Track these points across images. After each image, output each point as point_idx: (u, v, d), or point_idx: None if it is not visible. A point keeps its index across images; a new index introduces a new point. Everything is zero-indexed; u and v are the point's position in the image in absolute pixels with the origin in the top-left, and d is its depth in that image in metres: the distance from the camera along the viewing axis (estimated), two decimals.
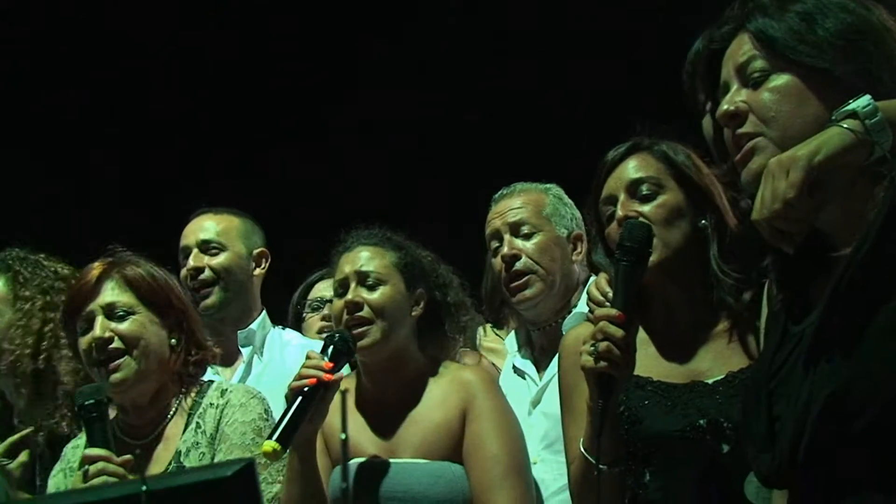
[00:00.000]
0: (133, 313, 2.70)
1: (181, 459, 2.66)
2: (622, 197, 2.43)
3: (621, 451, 2.30)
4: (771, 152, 1.77)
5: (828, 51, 1.77)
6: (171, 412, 2.75)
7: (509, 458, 2.70)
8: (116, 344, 2.66)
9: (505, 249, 3.16)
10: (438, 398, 2.79)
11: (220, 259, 3.61)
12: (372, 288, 2.81)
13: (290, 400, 2.58)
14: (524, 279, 3.13)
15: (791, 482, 1.81)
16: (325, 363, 2.62)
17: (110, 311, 2.70)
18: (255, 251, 3.70)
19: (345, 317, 2.79)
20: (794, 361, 1.76)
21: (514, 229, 3.17)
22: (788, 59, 1.79)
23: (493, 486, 2.67)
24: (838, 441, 1.67)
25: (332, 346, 2.69)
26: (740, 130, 1.82)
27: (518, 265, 3.13)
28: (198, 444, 2.68)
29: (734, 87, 1.85)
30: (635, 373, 2.28)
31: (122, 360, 2.66)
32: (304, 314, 4.26)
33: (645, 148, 2.48)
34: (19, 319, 3.12)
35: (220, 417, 2.69)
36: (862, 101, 1.68)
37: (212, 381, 2.86)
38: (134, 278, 2.73)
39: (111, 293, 2.71)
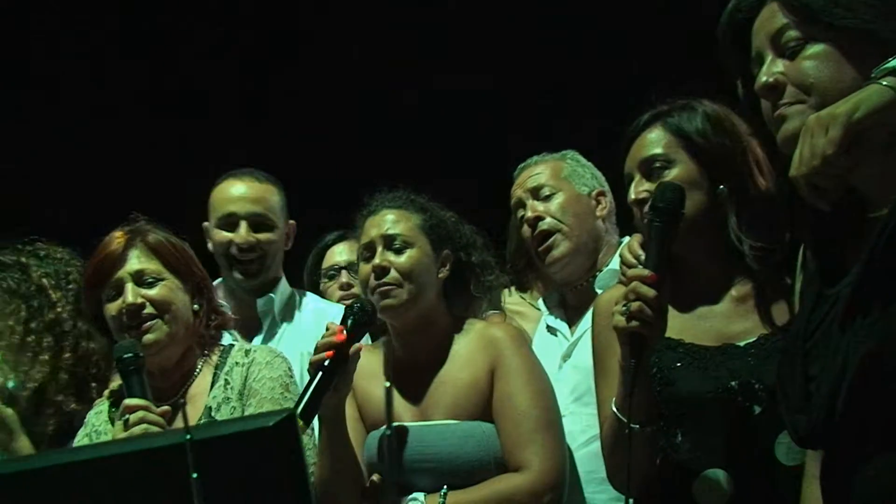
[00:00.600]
0: (161, 279, 2.78)
1: (212, 414, 2.73)
2: (636, 177, 2.46)
3: (653, 411, 2.32)
4: (808, 116, 1.76)
5: (862, 10, 1.77)
6: (196, 373, 2.82)
7: (539, 414, 2.70)
8: (148, 309, 2.74)
9: (528, 213, 3.20)
10: (466, 357, 2.79)
11: (269, 236, 3.56)
12: (399, 251, 2.80)
13: (311, 374, 2.60)
14: (551, 239, 3.15)
15: (827, 442, 1.82)
16: (339, 335, 2.62)
17: (139, 278, 2.76)
18: (289, 225, 3.66)
19: (372, 281, 2.79)
20: (829, 323, 1.77)
21: (535, 193, 3.22)
22: (823, 23, 1.79)
23: (522, 442, 2.67)
24: (875, 399, 1.68)
25: (351, 317, 2.69)
26: (783, 101, 1.82)
27: (542, 225, 3.17)
28: (228, 399, 2.75)
29: (769, 57, 1.85)
30: (667, 335, 2.29)
31: (153, 322, 2.73)
32: (322, 283, 4.20)
33: (660, 119, 2.48)
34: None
35: (247, 375, 2.77)
36: None
37: (233, 345, 2.93)
38: (157, 246, 2.81)
39: (138, 261, 2.78)
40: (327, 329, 2.66)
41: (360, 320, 2.70)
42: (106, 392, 2.90)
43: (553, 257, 3.15)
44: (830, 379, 1.72)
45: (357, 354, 2.64)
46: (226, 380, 2.78)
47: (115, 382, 2.88)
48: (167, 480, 1.62)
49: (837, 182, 1.73)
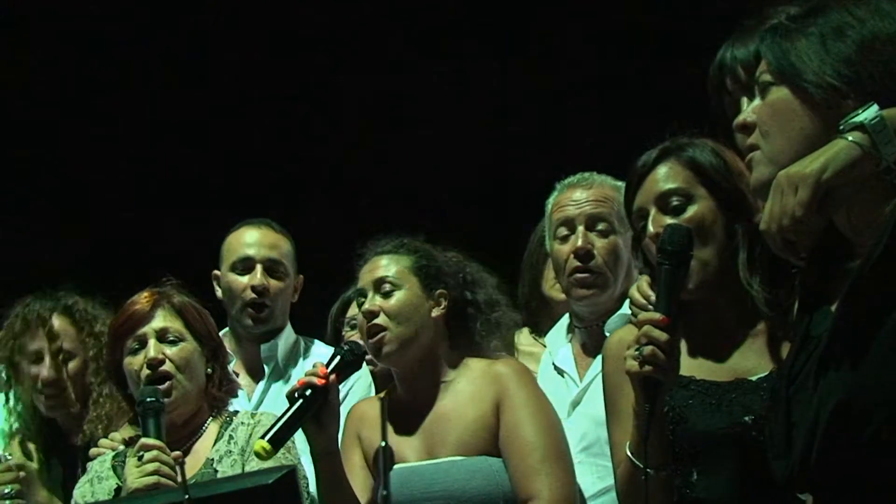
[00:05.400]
0: (183, 340, 2.96)
1: (214, 465, 2.85)
2: (652, 211, 2.42)
3: (668, 454, 2.29)
4: (763, 166, 1.83)
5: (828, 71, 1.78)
6: (203, 430, 2.96)
7: (546, 444, 2.69)
8: (167, 366, 2.90)
9: (579, 242, 3.06)
10: (471, 393, 2.80)
11: (281, 285, 3.65)
12: (388, 294, 2.85)
13: (289, 403, 2.70)
14: (592, 276, 3.05)
15: (806, 487, 1.82)
16: (321, 369, 2.70)
17: (162, 335, 2.94)
18: (298, 278, 3.74)
19: (363, 325, 2.87)
20: (810, 367, 1.78)
21: (591, 223, 3.08)
22: (783, 74, 1.83)
23: (531, 473, 2.66)
24: (848, 448, 1.68)
25: (337, 357, 2.79)
26: (748, 141, 1.88)
27: (592, 265, 3.05)
28: (230, 452, 2.87)
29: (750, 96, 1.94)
30: (679, 373, 2.27)
31: (170, 382, 2.89)
32: (344, 332, 4.22)
33: (673, 153, 2.45)
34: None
35: (252, 434, 2.87)
36: (869, 113, 1.69)
37: (237, 411, 3.07)
38: (182, 308, 3.01)
39: (163, 319, 2.96)
40: (313, 366, 2.75)
41: (345, 359, 2.80)
42: (109, 443, 3.05)
43: (586, 294, 3.06)
44: (806, 426, 1.73)
45: (335, 390, 2.72)
46: (230, 436, 2.90)
47: (120, 434, 3.07)
48: None
49: (809, 238, 1.77)
